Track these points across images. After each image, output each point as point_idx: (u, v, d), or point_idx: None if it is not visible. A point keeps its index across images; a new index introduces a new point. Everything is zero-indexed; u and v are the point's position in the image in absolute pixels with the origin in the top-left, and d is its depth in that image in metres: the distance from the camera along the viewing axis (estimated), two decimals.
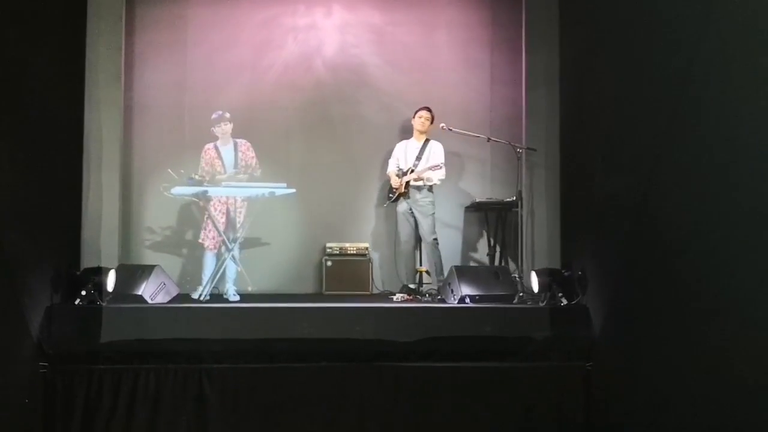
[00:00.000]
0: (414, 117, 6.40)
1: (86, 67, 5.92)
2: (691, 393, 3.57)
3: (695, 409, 3.53)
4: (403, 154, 6.42)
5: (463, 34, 7.09)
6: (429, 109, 6.37)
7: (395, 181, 6.31)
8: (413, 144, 6.42)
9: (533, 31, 6.43)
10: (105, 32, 6.12)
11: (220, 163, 5.98)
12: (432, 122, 6.35)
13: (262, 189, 5.92)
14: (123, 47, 6.34)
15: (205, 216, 5.98)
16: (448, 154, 6.41)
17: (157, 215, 6.72)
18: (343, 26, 7.07)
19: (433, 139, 6.39)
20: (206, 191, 5.81)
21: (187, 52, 6.86)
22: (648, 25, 4.01)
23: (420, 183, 6.22)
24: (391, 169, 6.45)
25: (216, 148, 6.03)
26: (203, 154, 6.03)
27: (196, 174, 5.85)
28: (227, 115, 6.00)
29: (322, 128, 6.99)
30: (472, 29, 7.09)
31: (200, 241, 5.99)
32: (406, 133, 6.66)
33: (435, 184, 6.27)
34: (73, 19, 5.76)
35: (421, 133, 6.39)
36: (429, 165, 6.20)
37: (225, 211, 5.93)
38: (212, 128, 5.99)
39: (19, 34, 4.55)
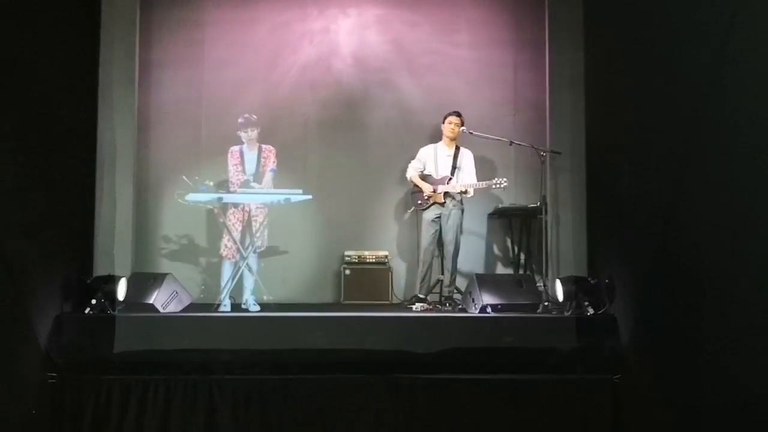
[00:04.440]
0: (444, 123, 6.17)
1: (100, 72, 5.89)
2: (724, 408, 3.45)
3: (729, 425, 3.40)
4: (433, 160, 6.18)
5: (485, 34, 6.95)
6: (458, 114, 6.14)
7: (428, 188, 6.06)
8: (444, 150, 6.18)
9: (557, 32, 6.34)
10: (119, 37, 6.10)
11: (242, 168, 5.86)
12: (462, 126, 6.13)
13: (277, 195, 5.81)
14: (137, 52, 6.30)
15: (224, 224, 5.87)
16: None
17: (173, 223, 6.63)
18: (361, 28, 6.96)
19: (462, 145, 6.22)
20: (221, 198, 5.71)
21: (204, 57, 6.79)
22: (674, 25, 3.94)
23: (457, 193, 6.01)
24: (412, 174, 6.20)
25: (241, 153, 5.90)
26: (230, 156, 5.88)
27: (225, 176, 5.81)
28: (254, 118, 5.87)
29: (341, 133, 6.88)
30: (494, 30, 6.96)
31: (221, 252, 5.86)
32: (428, 137, 6.49)
33: (470, 195, 6.09)
34: (87, 24, 5.75)
35: (452, 140, 6.17)
36: (466, 175, 6.04)
37: (243, 219, 5.78)
38: (238, 132, 5.88)
39: (32, 40, 4.55)
